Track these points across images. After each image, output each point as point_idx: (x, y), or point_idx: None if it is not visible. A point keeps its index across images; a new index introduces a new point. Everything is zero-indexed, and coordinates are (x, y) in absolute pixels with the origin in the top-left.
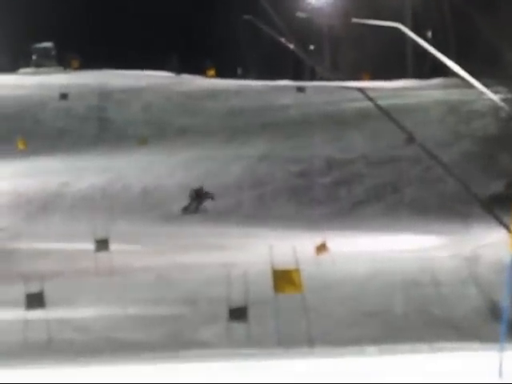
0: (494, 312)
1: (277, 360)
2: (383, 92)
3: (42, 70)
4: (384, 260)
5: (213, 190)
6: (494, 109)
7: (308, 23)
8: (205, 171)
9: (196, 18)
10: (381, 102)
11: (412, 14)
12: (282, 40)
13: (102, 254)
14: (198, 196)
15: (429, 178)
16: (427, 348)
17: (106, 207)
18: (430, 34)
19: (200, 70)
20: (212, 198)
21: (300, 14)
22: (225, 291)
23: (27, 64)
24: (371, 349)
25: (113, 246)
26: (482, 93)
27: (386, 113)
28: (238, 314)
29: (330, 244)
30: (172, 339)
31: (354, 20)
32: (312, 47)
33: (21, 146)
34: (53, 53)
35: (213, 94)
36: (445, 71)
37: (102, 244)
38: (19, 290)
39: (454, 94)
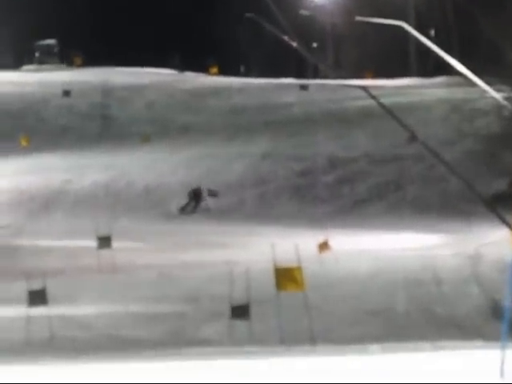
0: (495, 311)
1: (279, 358)
2: (386, 90)
3: (44, 67)
4: (386, 258)
5: (215, 188)
6: (497, 107)
7: (311, 21)
8: (207, 169)
9: (199, 16)
10: (384, 101)
11: (415, 12)
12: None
13: (105, 252)
14: (196, 196)
15: (431, 177)
16: (429, 346)
17: (109, 205)
18: (432, 32)
19: (203, 68)
20: (216, 196)
21: (303, 12)
22: (227, 289)
23: (30, 61)
24: (374, 347)
25: (115, 244)
26: (484, 91)
27: (388, 111)
28: (240, 311)
29: (333, 242)
30: (174, 337)
31: (358, 18)
32: (315, 45)
33: (23, 143)
34: (56, 50)
35: (215, 92)
36: (448, 70)
37: (105, 241)
38: (21, 287)
39: (457, 93)
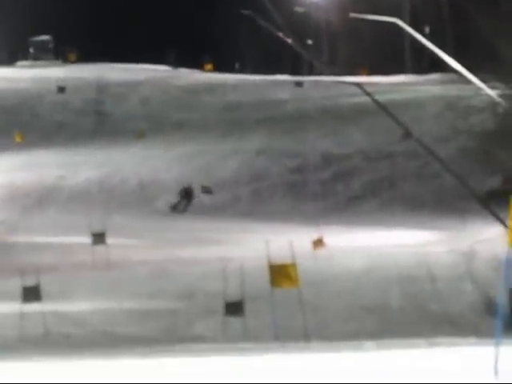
0: (490, 307)
1: (273, 354)
2: (381, 87)
3: (39, 63)
4: (381, 255)
5: (209, 185)
6: (492, 104)
7: (306, 18)
8: (202, 166)
9: (194, 13)
10: (378, 97)
11: (410, 9)
12: (280, 35)
13: (99, 248)
14: (188, 194)
15: (426, 174)
16: (424, 343)
17: (103, 201)
18: (427, 29)
19: (198, 65)
20: (210, 192)
21: (298, 9)
22: (221, 286)
23: (25, 57)
24: (368, 344)
25: (109, 240)
26: (479, 88)
27: (383, 108)
28: (235, 308)
29: (327, 239)
30: (168, 333)
31: (352, 15)
32: (310, 42)
33: (18, 139)
34: (50, 46)
35: (210, 89)
36: (442, 66)
37: (99, 237)
38: (15, 284)
39: (452, 90)
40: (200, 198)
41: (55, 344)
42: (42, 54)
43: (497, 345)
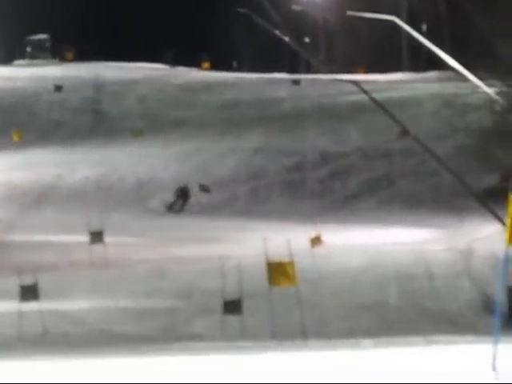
0: (487, 305)
1: (271, 353)
2: (378, 85)
3: (36, 61)
4: (378, 253)
5: (207, 183)
6: (489, 102)
7: (303, 16)
8: (199, 164)
9: (192, 12)
10: (376, 95)
11: (407, 7)
12: (277, 33)
13: (97, 247)
14: (184, 194)
15: (423, 172)
16: (422, 341)
17: (101, 199)
18: (424, 27)
19: (195, 63)
20: (208, 191)
21: (295, 7)
22: (219, 284)
23: (22, 56)
24: (366, 341)
25: (107, 239)
26: (476, 86)
27: (380, 106)
28: (233, 306)
29: (325, 237)
30: (166, 332)
31: (349, 13)
32: (307, 40)
33: (15, 138)
34: (47, 45)
35: (207, 87)
36: (440, 64)
37: (97, 236)
38: (13, 282)
39: (449, 87)
40: (197, 196)
41: (53, 343)
42: (39, 53)
43: (495, 342)
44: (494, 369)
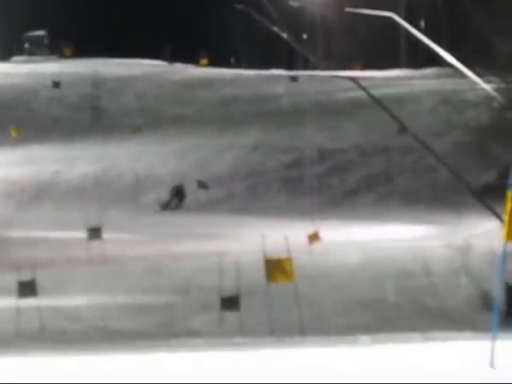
0: (485, 302)
1: (269, 349)
2: (376, 81)
3: (34, 58)
4: (376, 249)
5: (205, 180)
6: (487, 98)
7: (301, 12)
8: (197, 160)
9: (190, 8)
10: (373, 92)
11: (405, 3)
12: (275, 29)
13: (95, 243)
14: (179, 193)
15: (421, 168)
16: (419, 337)
17: (99, 196)
18: (422, 23)
19: (193, 60)
20: (206, 187)
21: (293, 3)
22: (217, 280)
23: (20, 52)
24: (363, 338)
25: (105, 235)
26: (474, 82)
27: (378, 102)
28: (231, 303)
29: (322, 233)
30: (164, 328)
31: (347, 9)
32: (305, 36)
33: (14, 134)
34: (45, 41)
35: (205, 83)
36: (438, 61)
37: (95, 232)
38: (11, 278)
39: (447, 84)
40: (195, 193)
41: (51, 339)
42: (38, 49)
43: (493, 339)
44: (491, 365)
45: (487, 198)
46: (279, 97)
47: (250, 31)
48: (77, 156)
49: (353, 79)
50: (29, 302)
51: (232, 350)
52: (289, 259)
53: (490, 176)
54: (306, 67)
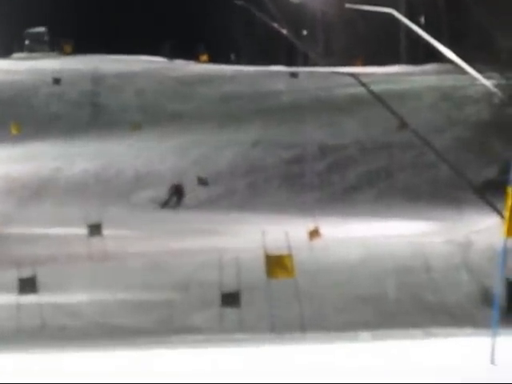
0: (486, 298)
1: (269, 345)
2: (376, 77)
3: (35, 54)
4: (377, 245)
5: (205, 176)
6: (487, 94)
7: (301, 8)
8: (197, 157)
9: (189, 4)
10: (374, 88)
11: None
12: (275, 25)
13: (95, 239)
14: (178, 191)
15: (422, 164)
16: (420, 333)
17: (99, 192)
18: (422, 19)
19: (193, 56)
20: (206, 184)
21: (293, 0)
22: (218, 276)
23: (20, 49)
24: (364, 334)
25: (105, 231)
26: (475, 78)
27: (378, 98)
28: (231, 299)
29: (323, 229)
30: (164, 324)
31: (348, 5)
32: (305, 32)
33: (14, 131)
34: (46, 38)
35: (205, 80)
36: (438, 57)
37: (95, 229)
38: (12, 275)
39: (447, 80)
40: (195, 189)
41: (51, 335)
42: (38, 46)
43: (493, 335)
44: (492, 362)
45: (488, 194)
46: (279, 93)
47: (250, 27)
48: (77, 152)
49: (353, 75)
50: (29, 299)
51: (232, 346)
52: (289, 255)
53: (490, 172)
54: (306, 63)
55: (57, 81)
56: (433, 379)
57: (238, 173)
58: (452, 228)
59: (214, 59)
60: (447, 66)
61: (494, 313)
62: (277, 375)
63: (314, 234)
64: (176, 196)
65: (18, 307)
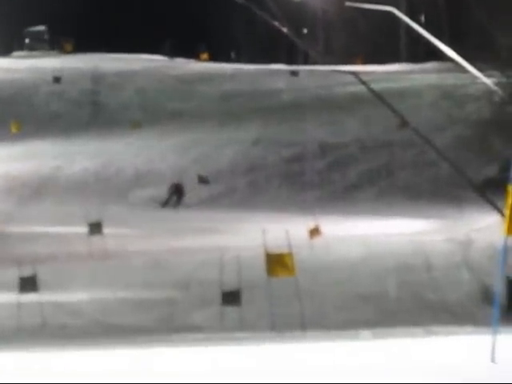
0: (486, 296)
1: (270, 344)
2: (376, 76)
3: (35, 53)
4: (377, 244)
5: (206, 175)
6: (488, 93)
7: (301, 7)
8: (198, 156)
9: (190, 2)
10: (374, 86)
11: None
12: (276, 24)
13: (96, 238)
14: (178, 191)
15: (422, 162)
16: (421, 332)
17: (99, 191)
18: (423, 17)
19: (193, 54)
20: (207, 182)
21: None
22: (218, 275)
23: (21, 47)
24: (365, 332)
25: (106, 230)
26: (475, 77)
27: (379, 97)
28: (231, 297)
29: (323, 228)
30: (165, 323)
31: (348, 4)
32: (305, 31)
33: (14, 130)
34: (46, 36)
35: (206, 78)
36: (438, 55)
37: (96, 227)
38: (12, 274)
39: (448, 78)
40: (196, 188)
41: (52, 334)
42: (38, 45)
43: (494, 333)
44: (492, 360)
45: (488, 192)
46: (280, 91)
47: (251, 26)
48: (77, 151)
49: (353, 74)
50: (30, 297)
51: (233, 344)
52: (290, 254)
53: (490, 170)
54: (306, 62)
55: (57, 79)
56: (433, 377)
57: (239, 171)
58: (452, 226)
59: (214, 57)
60: (447, 65)
61: (494, 311)
62: (277, 374)
63: (315, 232)
64: (176, 195)
65: (19, 306)
